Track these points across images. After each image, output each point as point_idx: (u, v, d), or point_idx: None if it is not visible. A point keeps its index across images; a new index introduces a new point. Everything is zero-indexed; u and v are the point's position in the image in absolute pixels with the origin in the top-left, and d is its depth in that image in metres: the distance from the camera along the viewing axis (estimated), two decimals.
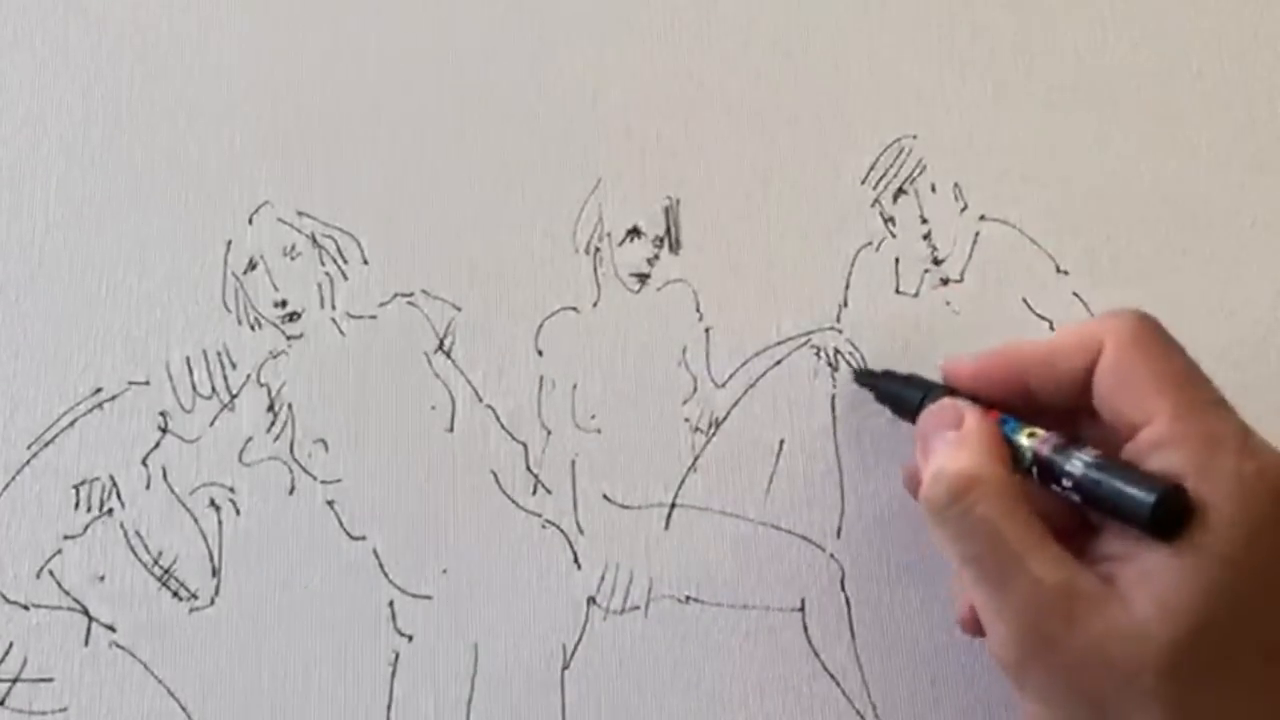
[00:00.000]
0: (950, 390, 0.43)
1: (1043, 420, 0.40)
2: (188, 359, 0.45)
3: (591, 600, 0.45)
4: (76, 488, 0.44)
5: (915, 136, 0.49)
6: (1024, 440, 0.39)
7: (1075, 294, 0.48)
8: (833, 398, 0.47)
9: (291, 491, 0.45)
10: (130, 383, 0.45)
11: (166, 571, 0.44)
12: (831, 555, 0.46)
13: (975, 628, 0.40)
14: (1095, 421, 0.40)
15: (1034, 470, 0.39)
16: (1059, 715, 0.37)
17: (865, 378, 0.46)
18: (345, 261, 0.46)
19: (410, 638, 0.44)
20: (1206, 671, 0.36)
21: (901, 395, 0.44)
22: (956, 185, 0.49)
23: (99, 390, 0.45)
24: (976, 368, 0.42)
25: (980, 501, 0.38)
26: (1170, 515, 0.36)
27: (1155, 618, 0.36)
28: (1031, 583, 0.37)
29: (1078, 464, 0.38)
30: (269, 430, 0.45)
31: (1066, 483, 0.38)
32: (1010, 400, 0.41)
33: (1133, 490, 0.36)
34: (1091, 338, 0.40)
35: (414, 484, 0.45)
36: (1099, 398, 0.39)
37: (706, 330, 0.47)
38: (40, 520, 0.44)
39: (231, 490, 0.44)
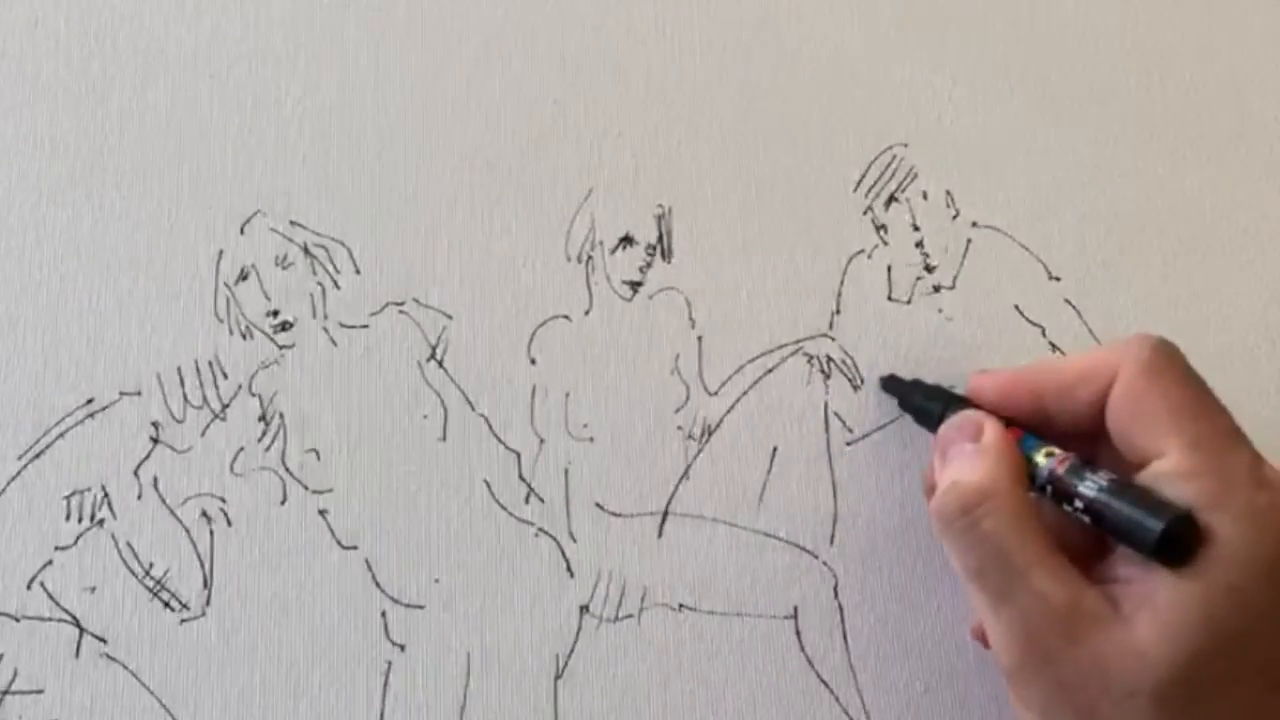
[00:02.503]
0: (972, 405, 0.43)
1: (1064, 442, 0.40)
2: (179, 369, 0.45)
3: (585, 609, 0.45)
4: (68, 499, 0.44)
5: (906, 144, 0.49)
6: (1040, 459, 0.40)
7: (1067, 300, 0.48)
8: (826, 405, 0.47)
9: (283, 501, 0.45)
10: (121, 393, 0.45)
11: (158, 582, 0.44)
12: (825, 563, 0.46)
13: (985, 638, 0.40)
14: (1114, 450, 0.40)
15: (1048, 489, 0.39)
16: None
17: (892, 385, 0.46)
18: (337, 271, 0.46)
19: (403, 647, 0.44)
20: (1204, 697, 0.36)
21: (924, 406, 0.44)
22: (948, 193, 0.49)
23: (90, 401, 0.45)
24: (1001, 385, 0.42)
25: (989, 515, 0.38)
26: (1178, 542, 0.36)
27: (1156, 640, 0.36)
28: (1035, 598, 0.37)
29: (1090, 486, 0.38)
30: (260, 440, 0.45)
31: (1078, 503, 0.38)
32: (1032, 420, 0.41)
33: (1142, 515, 0.36)
34: (1106, 365, 0.40)
35: (406, 493, 0.45)
36: (1112, 427, 0.39)
37: (699, 338, 0.47)
38: (31, 531, 0.44)
39: (223, 500, 0.44)
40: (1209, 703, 0.36)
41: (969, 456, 0.40)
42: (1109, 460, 0.40)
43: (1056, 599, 0.37)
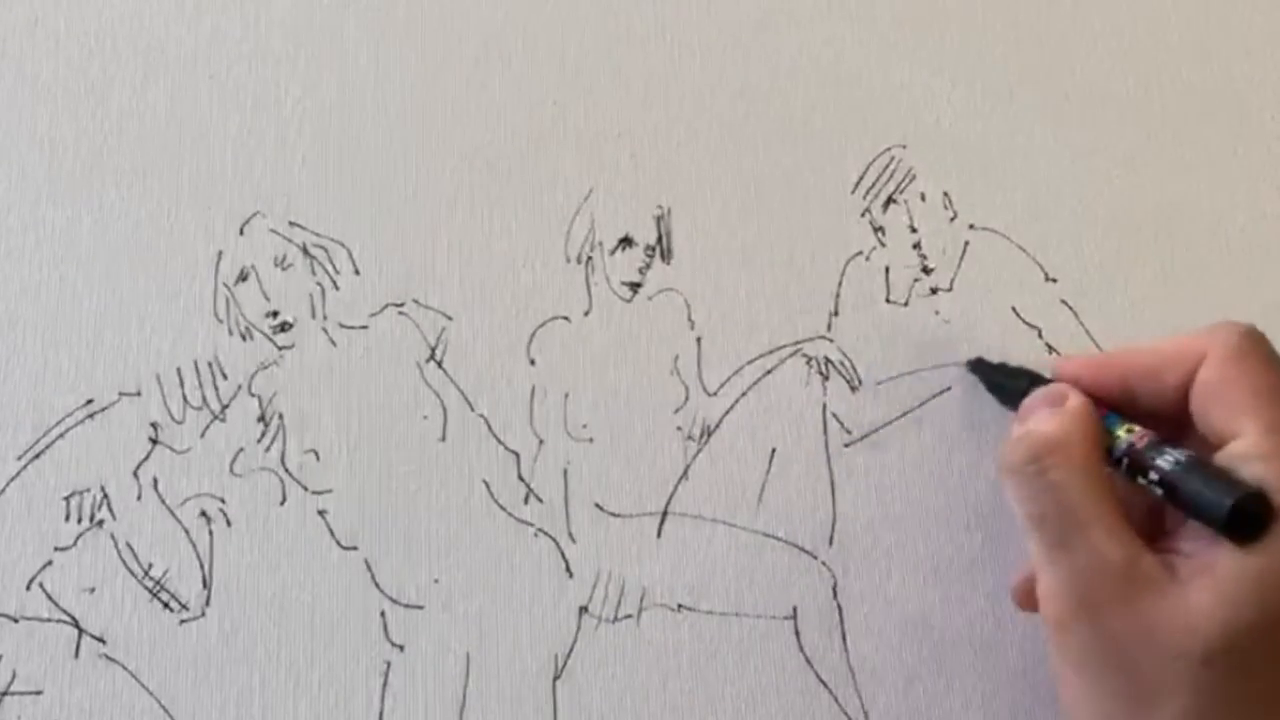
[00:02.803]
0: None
1: (1145, 424, 0.41)
2: (179, 370, 0.45)
3: (584, 609, 0.45)
4: (67, 499, 0.44)
5: (905, 146, 0.49)
6: (1121, 433, 0.40)
7: (1064, 301, 0.48)
8: (824, 406, 0.47)
9: (283, 502, 0.45)
10: (121, 393, 0.45)
11: (157, 583, 0.44)
12: (824, 563, 0.46)
13: (1025, 598, 0.41)
14: (1195, 437, 0.40)
15: (1124, 463, 0.40)
16: (1092, 683, 0.38)
17: (978, 367, 0.47)
18: (337, 271, 0.46)
19: (402, 648, 0.44)
20: (1249, 670, 0.36)
21: (1009, 385, 0.45)
22: (946, 194, 0.49)
23: (90, 401, 0.45)
24: (1088, 365, 0.43)
25: (1058, 466, 0.39)
26: (1247, 518, 0.36)
27: (1210, 607, 0.36)
28: (1092, 552, 0.38)
29: (1168, 459, 0.38)
30: (260, 441, 0.45)
31: (1153, 475, 0.39)
32: (1117, 400, 0.42)
33: (1214, 491, 0.37)
34: (1194, 349, 0.40)
35: (405, 494, 0.45)
36: (1195, 408, 0.40)
37: (698, 339, 0.47)
38: (30, 532, 0.44)
39: (222, 501, 0.44)
40: (1252, 677, 0.36)
41: (1047, 413, 0.41)
42: (1189, 445, 0.40)
43: (1114, 556, 0.37)
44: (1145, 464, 0.39)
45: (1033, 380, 0.44)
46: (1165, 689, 0.36)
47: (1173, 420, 0.41)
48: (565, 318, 0.47)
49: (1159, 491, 0.39)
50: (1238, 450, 0.38)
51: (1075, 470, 0.39)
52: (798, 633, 0.45)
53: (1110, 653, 0.37)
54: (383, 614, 0.44)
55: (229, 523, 0.44)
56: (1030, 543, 0.39)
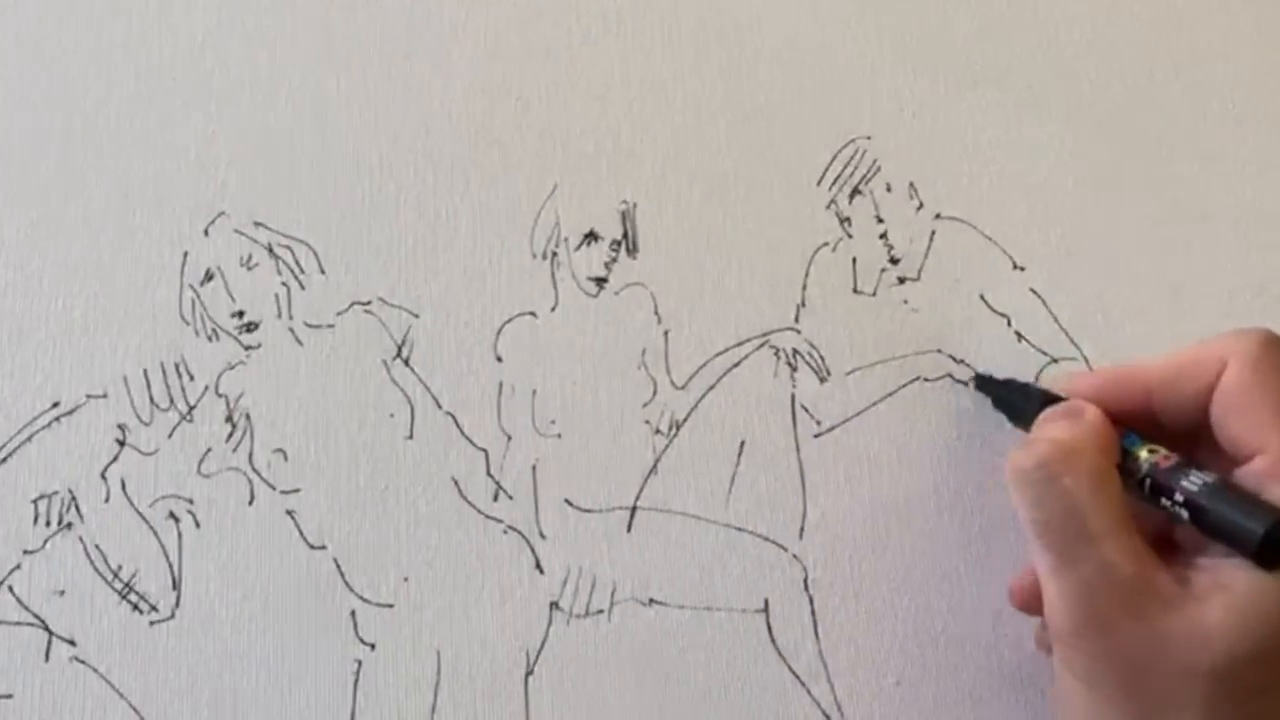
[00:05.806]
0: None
1: (1163, 441, 0.40)
2: (145, 371, 0.45)
3: (554, 605, 0.45)
4: (35, 502, 0.44)
5: (869, 137, 0.49)
6: (1144, 454, 0.39)
7: (1032, 290, 0.48)
8: (793, 397, 0.47)
9: (251, 502, 0.45)
10: (88, 395, 0.45)
11: (127, 585, 0.44)
12: (794, 556, 0.46)
13: (1024, 600, 0.40)
14: (1215, 449, 0.39)
15: (1147, 484, 0.39)
16: (1098, 696, 0.37)
17: (985, 384, 0.46)
18: (302, 271, 0.47)
19: (373, 646, 0.44)
20: (1260, 689, 0.35)
21: (1021, 404, 0.44)
22: (912, 185, 0.49)
23: (56, 404, 0.45)
24: (1101, 383, 0.42)
25: (1069, 474, 0.38)
26: (1278, 545, 0.35)
27: (1226, 624, 0.35)
28: (1102, 564, 0.36)
29: (1195, 482, 0.37)
30: (228, 441, 0.45)
31: (1179, 497, 0.37)
32: (1134, 416, 0.41)
33: (1244, 516, 0.36)
34: (1214, 357, 0.39)
35: (374, 492, 0.45)
36: (1216, 419, 0.39)
37: (665, 333, 0.47)
38: None
39: (191, 502, 0.44)
40: (1263, 698, 0.35)
41: (1064, 424, 0.40)
42: (1207, 460, 0.39)
43: (1125, 570, 0.36)
44: (1170, 486, 0.38)
45: (1046, 399, 0.43)
46: (1174, 705, 0.36)
47: (1191, 433, 0.40)
48: (532, 314, 0.47)
49: (1184, 515, 0.37)
50: (1259, 469, 0.37)
51: (1086, 478, 0.37)
52: (769, 626, 0.45)
53: (1118, 667, 0.36)
54: (353, 613, 0.44)
55: (198, 523, 0.44)
56: (1036, 551, 0.38)
